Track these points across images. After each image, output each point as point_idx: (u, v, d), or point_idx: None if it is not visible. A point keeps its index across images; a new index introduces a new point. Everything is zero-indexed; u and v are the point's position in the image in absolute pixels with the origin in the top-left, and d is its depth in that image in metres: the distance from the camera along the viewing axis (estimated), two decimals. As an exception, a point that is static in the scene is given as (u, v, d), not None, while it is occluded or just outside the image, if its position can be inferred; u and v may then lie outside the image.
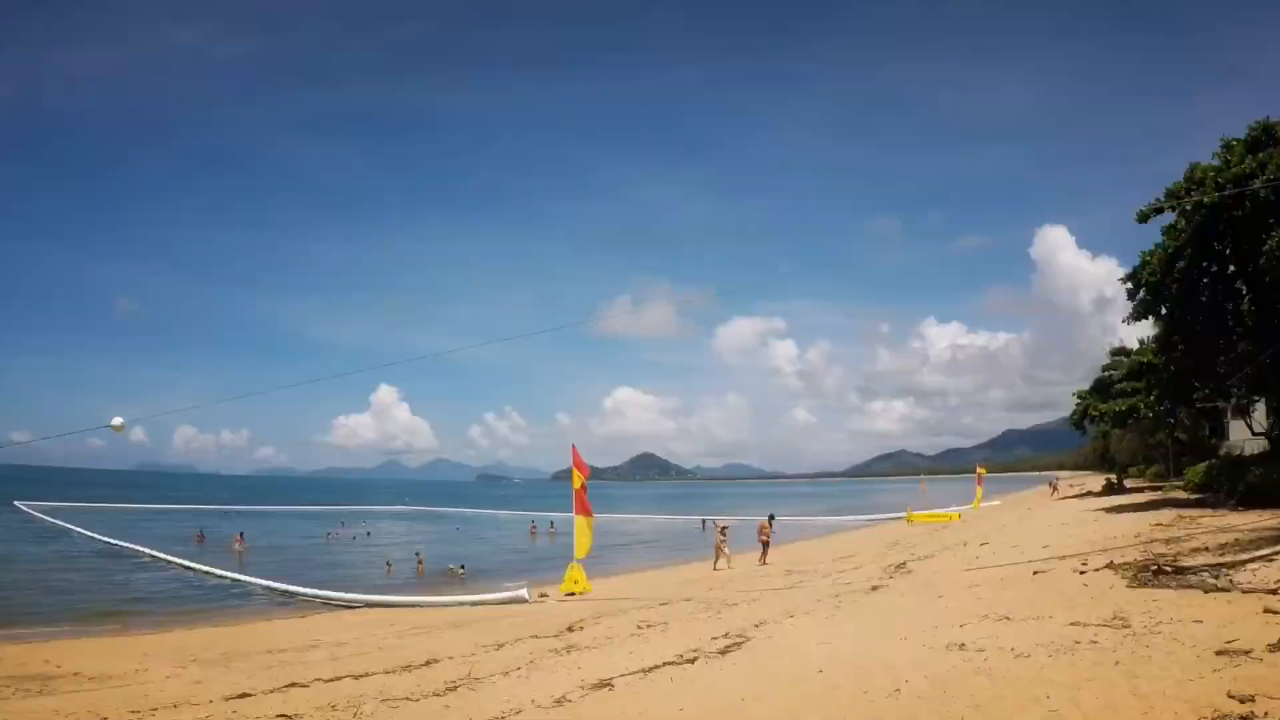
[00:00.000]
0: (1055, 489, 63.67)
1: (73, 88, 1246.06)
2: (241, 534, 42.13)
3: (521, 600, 20.66)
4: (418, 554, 33.83)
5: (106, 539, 41.03)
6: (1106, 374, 48.81)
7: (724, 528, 29.16)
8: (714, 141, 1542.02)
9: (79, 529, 46.81)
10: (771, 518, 30.51)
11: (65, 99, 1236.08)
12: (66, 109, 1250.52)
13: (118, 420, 13.88)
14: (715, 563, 27.36)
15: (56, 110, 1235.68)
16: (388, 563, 32.89)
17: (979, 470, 68.31)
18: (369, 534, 51.66)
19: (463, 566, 30.86)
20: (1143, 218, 27.53)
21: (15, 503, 68.69)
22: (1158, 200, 27.13)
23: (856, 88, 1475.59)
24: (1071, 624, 9.19)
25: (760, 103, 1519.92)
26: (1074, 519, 27.78)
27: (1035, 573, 13.83)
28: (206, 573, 29.40)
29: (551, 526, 53.98)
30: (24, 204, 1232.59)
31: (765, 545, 28.35)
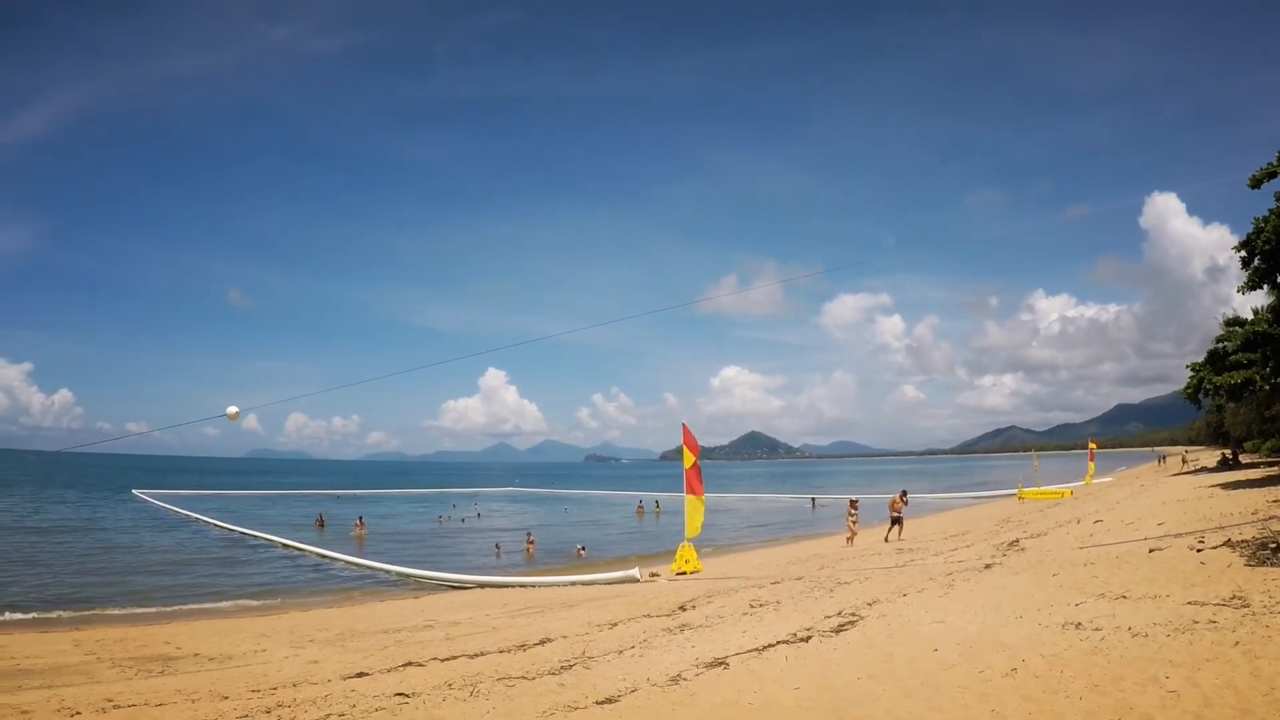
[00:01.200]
0: (1184, 460, 61.36)
1: (177, 91, 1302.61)
2: (361, 518, 44.25)
3: (633, 580, 21.13)
4: (529, 535, 34.85)
5: (224, 525, 43.07)
6: (1220, 345, 46.43)
7: (854, 501, 29.22)
8: (815, 117, 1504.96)
9: (196, 514, 49.24)
10: (904, 493, 29.66)
11: (170, 102, 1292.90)
12: (171, 111, 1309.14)
13: (232, 409, 14.23)
14: (851, 539, 27.37)
15: (162, 112, 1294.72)
16: (496, 545, 33.97)
17: (1091, 446, 66.56)
18: (479, 516, 53.24)
19: (583, 547, 32.16)
20: (1255, 183, 26.59)
21: (133, 491, 72.64)
22: (1271, 164, 26.09)
23: (958, 58, 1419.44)
24: (1189, 603, 9.07)
25: (860, 76, 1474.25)
26: (1189, 495, 26.71)
27: (1151, 550, 13.47)
28: (322, 556, 30.90)
29: (657, 506, 54.80)
30: (138, 204, 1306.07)
31: (896, 520, 27.86)
